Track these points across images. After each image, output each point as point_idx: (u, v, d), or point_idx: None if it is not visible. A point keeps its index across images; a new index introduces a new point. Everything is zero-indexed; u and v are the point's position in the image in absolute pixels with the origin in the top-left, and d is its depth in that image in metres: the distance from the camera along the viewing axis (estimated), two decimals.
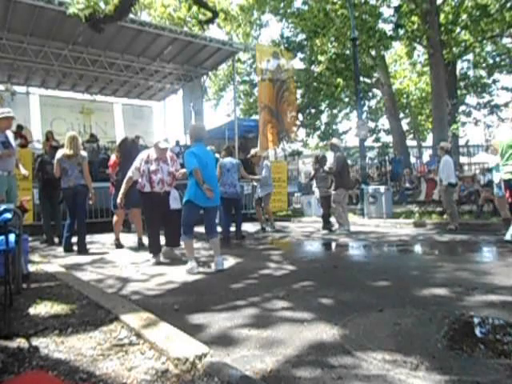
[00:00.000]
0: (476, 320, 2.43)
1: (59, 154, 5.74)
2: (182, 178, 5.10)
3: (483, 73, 20.32)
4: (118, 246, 6.11)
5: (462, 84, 19.79)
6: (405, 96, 23.73)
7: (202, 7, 11.12)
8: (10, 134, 4.64)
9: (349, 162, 9.70)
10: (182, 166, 5.01)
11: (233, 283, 3.57)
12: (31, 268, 3.93)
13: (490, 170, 10.11)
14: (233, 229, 7.04)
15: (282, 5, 16.49)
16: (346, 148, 24.09)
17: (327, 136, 20.68)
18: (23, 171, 5.17)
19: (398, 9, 14.55)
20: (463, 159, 16.85)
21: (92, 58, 11.29)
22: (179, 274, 4.06)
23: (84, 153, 5.92)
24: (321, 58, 17.33)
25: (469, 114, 19.97)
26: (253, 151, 8.40)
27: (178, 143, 12.85)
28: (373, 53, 16.38)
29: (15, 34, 9.72)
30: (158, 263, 4.84)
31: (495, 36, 15.84)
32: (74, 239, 5.77)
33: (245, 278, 3.77)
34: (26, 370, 1.76)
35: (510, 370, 1.73)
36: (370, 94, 20.97)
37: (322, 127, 21.12)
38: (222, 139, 12.35)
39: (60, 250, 5.86)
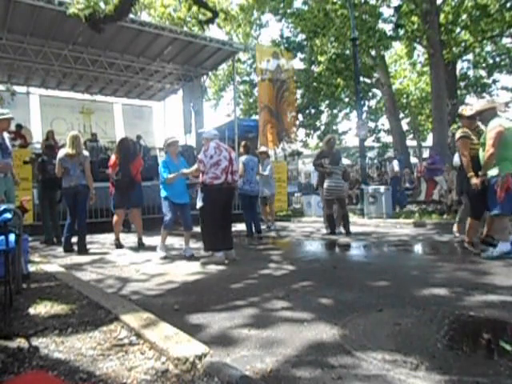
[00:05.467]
0: (476, 320, 2.43)
1: (61, 153, 5.74)
2: (195, 175, 5.09)
3: (483, 73, 20.33)
4: (118, 246, 6.11)
5: (462, 84, 19.79)
6: (405, 96, 23.73)
7: (202, 7, 11.11)
8: (6, 136, 4.62)
9: (349, 162, 9.57)
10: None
11: (233, 283, 3.57)
12: (31, 268, 3.93)
13: None
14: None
15: (281, 5, 16.49)
16: (346, 148, 24.11)
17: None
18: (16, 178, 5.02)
19: (398, 9, 14.55)
20: None
21: (92, 58, 11.29)
22: (179, 274, 4.06)
23: (86, 152, 5.93)
24: (321, 58, 17.33)
25: None
26: (264, 148, 8.59)
27: None
28: (373, 53, 16.37)
29: (15, 34, 9.72)
30: (213, 263, 4.59)
31: (495, 36, 15.83)
32: (74, 239, 5.78)
33: (245, 278, 3.76)
34: (26, 370, 1.76)
35: (510, 369, 1.73)
36: (370, 93, 20.97)
37: (322, 127, 21.14)
38: (221, 139, 12.34)
39: (60, 250, 5.86)
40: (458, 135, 4.68)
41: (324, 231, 7.64)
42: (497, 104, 4.67)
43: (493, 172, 4.27)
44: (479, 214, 4.66)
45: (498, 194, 4.14)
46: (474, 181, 4.39)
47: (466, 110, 4.81)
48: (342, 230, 7.31)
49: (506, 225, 4.39)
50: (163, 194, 5.29)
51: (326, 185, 7.04)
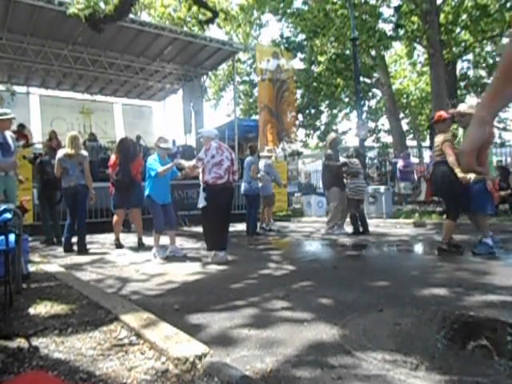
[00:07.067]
0: (476, 320, 2.43)
1: (60, 153, 5.76)
2: (191, 171, 5.11)
3: (483, 73, 20.32)
4: (118, 246, 6.12)
5: (462, 84, 19.78)
6: (405, 96, 23.72)
7: (202, 7, 11.13)
8: (8, 135, 4.62)
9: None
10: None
11: (233, 283, 3.57)
12: (31, 268, 3.93)
13: None
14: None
15: (281, 5, 16.48)
16: (346, 148, 24.09)
17: (327, 136, 20.68)
18: (19, 177, 5.06)
19: (398, 9, 14.54)
20: None
21: (92, 58, 11.29)
22: (179, 274, 4.06)
23: (85, 152, 5.94)
24: (321, 58, 17.33)
25: None
26: (267, 151, 8.71)
27: (174, 143, 12.86)
28: (373, 53, 16.38)
29: (15, 34, 9.72)
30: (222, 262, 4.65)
31: (495, 36, 15.82)
32: (74, 239, 5.78)
33: (245, 278, 3.76)
34: (25, 370, 1.76)
35: (510, 369, 1.73)
36: (370, 93, 20.96)
37: (322, 127, 21.14)
38: (222, 139, 12.35)
39: (60, 250, 5.86)
40: (440, 139, 4.74)
41: (323, 231, 7.65)
42: None
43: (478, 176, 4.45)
44: (457, 215, 4.89)
45: (494, 195, 4.53)
46: (463, 175, 4.46)
47: (441, 116, 4.87)
48: (345, 229, 7.36)
49: (487, 223, 4.75)
50: (147, 191, 5.24)
51: (353, 185, 7.20)
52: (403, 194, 12.65)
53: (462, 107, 4.76)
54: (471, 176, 4.44)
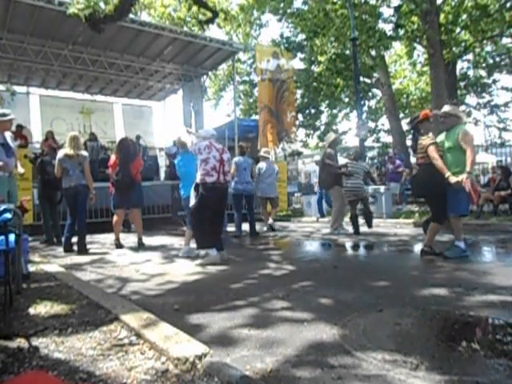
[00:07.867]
0: (476, 320, 2.43)
1: (60, 153, 5.76)
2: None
3: (483, 73, 20.31)
4: (118, 246, 6.12)
5: (462, 84, 19.77)
6: (405, 96, 23.70)
7: (202, 7, 11.11)
8: (8, 135, 4.63)
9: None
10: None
11: (233, 283, 3.57)
12: (31, 268, 3.93)
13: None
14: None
15: (281, 5, 16.47)
16: (346, 148, 24.13)
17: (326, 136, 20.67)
18: (20, 169, 5.07)
19: (397, 9, 14.53)
20: None
21: (92, 58, 11.30)
22: (179, 274, 4.06)
23: (85, 153, 5.94)
24: (321, 58, 17.32)
25: (469, 114, 19.96)
26: (263, 152, 8.67)
27: (174, 143, 12.87)
28: (373, 53, 16.36)
29: (15, 34, 9.73)
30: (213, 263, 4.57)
31: (495, 36, 15.81)
32: (74, 239, 5.78)
33: (245, 278, 3.76)
34: (25, 370, 1.76)
35: (510, 369, 1.73)
36: (370, 94, 20.95)
37: (322, 127, 21.13)
38: (221, 139, 12.36)
39: (60, 250, 5.86)
40: (425, 143, 4.59)
41: (324, 231, 7.65)
42: (463, 115, 4.77)
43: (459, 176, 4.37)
44: (444, 217, 4.68)
45: (472, 194, 4.32)
46: (456, 179, 4.29)
47: (426, 115, 4.81)
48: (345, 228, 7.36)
49: (461, 224, 4.61)
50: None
51: (347, 185, 7.19)
52: (398, 194, 12.69)
53: (446, 108, 4.70)
54: (463, 177, 4.25)
